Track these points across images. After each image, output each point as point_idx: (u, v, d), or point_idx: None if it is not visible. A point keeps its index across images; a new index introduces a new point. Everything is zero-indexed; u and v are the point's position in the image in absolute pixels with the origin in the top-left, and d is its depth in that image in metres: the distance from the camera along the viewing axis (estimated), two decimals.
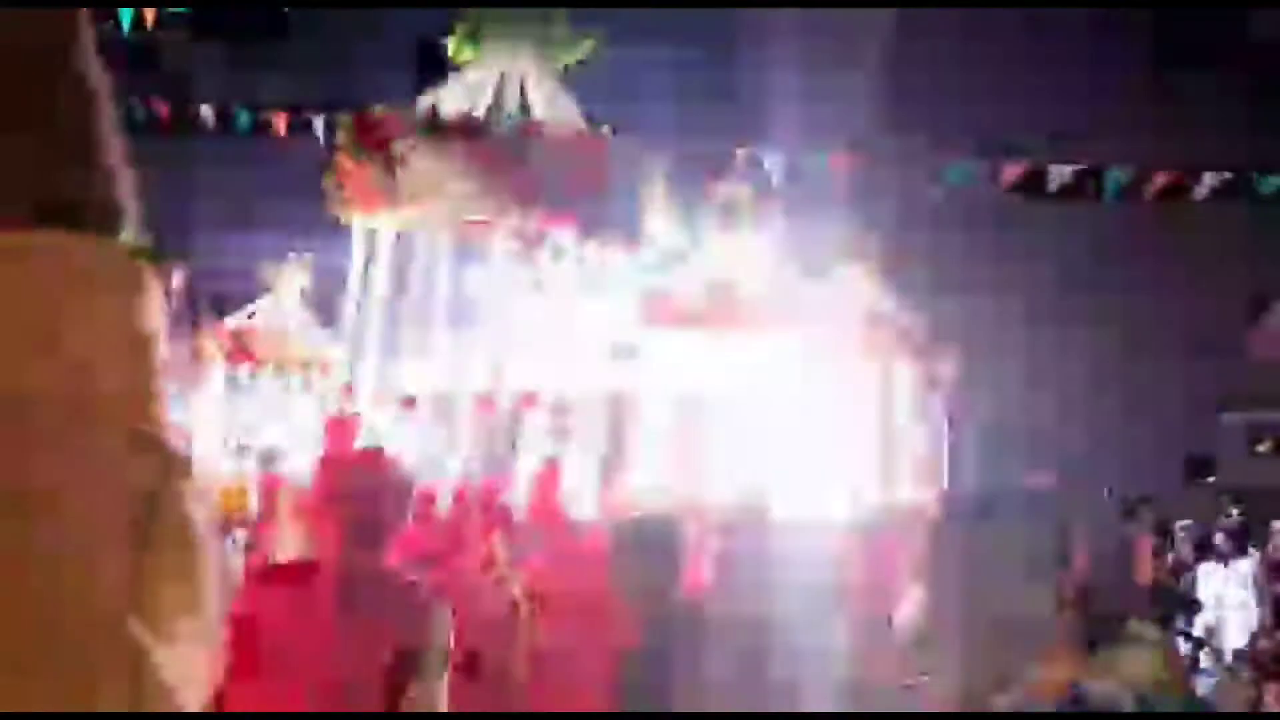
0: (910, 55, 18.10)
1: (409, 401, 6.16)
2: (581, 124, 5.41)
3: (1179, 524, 14.39)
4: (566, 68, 5.58)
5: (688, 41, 16.71)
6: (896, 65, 17.86)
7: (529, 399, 6.14)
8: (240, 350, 11.12)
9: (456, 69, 5.62)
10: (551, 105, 5.49)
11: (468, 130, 4.99)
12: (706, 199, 9.67)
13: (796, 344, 9.15)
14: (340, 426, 3.90)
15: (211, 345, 11.09)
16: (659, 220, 9.20)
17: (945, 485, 18.11)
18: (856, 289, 10.41)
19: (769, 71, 16.39)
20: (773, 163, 11.89)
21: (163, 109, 12.68)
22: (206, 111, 12.61)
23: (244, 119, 12.52)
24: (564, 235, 5.13)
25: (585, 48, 5.59)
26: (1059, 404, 23.43)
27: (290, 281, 11.31)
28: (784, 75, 16.00)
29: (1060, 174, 11.88)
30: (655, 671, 4.58)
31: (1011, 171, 12.09)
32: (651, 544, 4.72)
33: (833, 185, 12.43)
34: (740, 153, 11.72)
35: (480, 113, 5.27)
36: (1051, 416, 22.98)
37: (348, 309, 5.55)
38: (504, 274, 6.03)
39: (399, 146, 4.82)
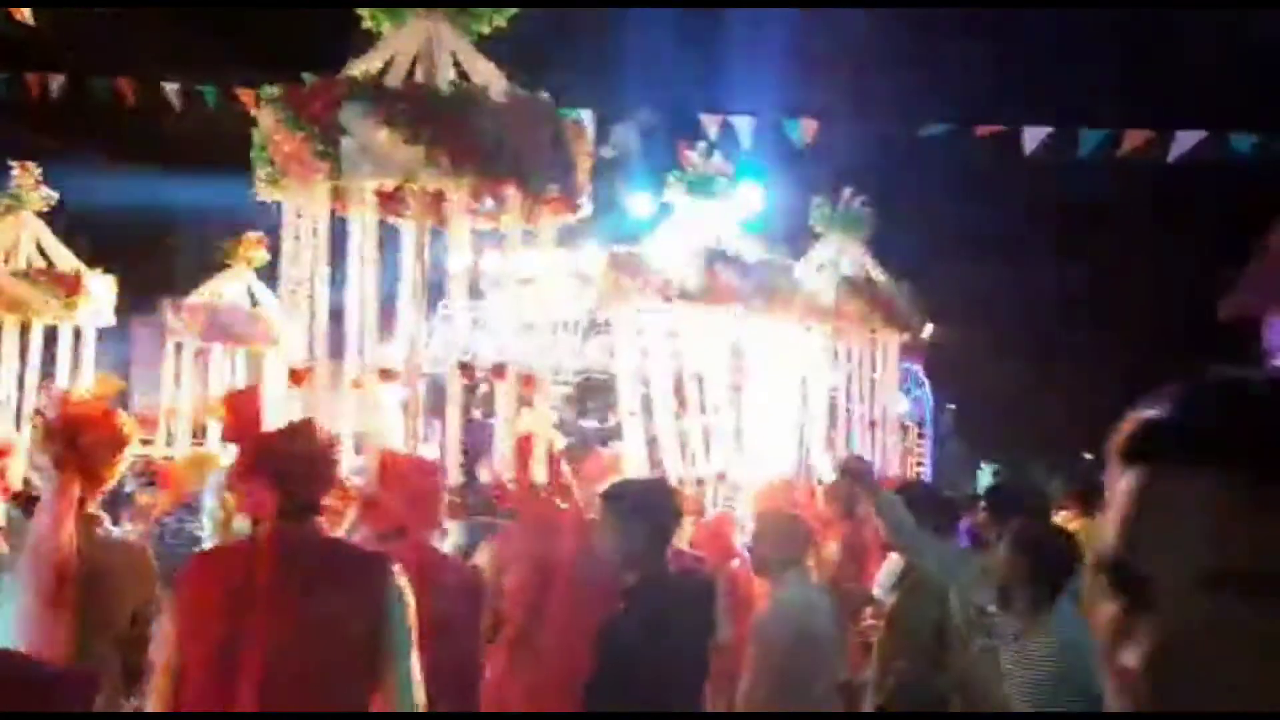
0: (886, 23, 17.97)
1: (382, 375, 6.00)
2: (508, 88, 5.24)
3: None
4: (481, 35, 5.39)
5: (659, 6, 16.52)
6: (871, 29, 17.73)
7: (497, 371, 6.02)
8: (215, 328, 10.83)
9: (371, 37, 5.44)
10: (474, 72, 5.32)
11: (412, 96, 4.83)
12: (677, 166, 9.49)
13: (772, 317, 9.01)
14: (243, 398, 3.72)
15: (179, 323, 10.78)
16: (614, 187, 8.99)
17: (928, 456, 18.06)
18: (835, 259, 10.26)
19: (744, 36, 16.24)
20: (744, 129, 11.70)
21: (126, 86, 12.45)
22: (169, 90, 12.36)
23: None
24: (513, 201, 4.98)
25: (502, 16, 5.41)
26: (1039, 374, 23.39)
27: (248, 258, 11.04)
28: (758, 39, 15.85)
29: (1035, 136, 11.74)
30: (636, 639, 4.50)
31: (985, 133, 11.94)
32: (638, 510, 4.65)
33: (807, 152, 12.27)
34: (711, 119, 11.53)
35: (401, 78, 5.11)
36: (1032, 386, 22.95)
37: (305, 292, 5.35)
38: (465, 245, 5.88)
39: (342, 115, 4.66)
